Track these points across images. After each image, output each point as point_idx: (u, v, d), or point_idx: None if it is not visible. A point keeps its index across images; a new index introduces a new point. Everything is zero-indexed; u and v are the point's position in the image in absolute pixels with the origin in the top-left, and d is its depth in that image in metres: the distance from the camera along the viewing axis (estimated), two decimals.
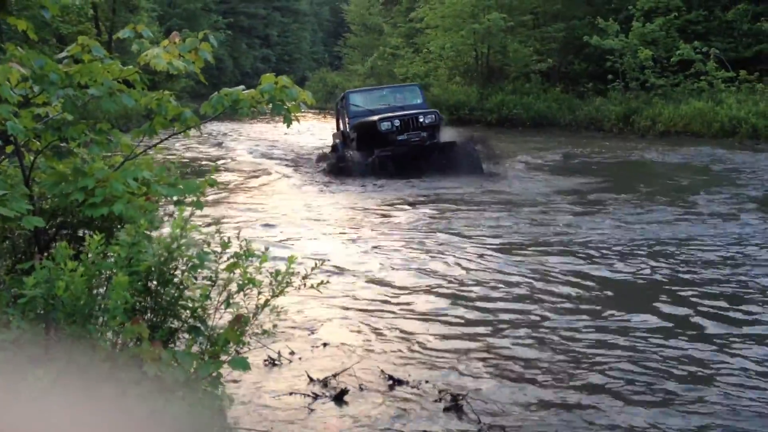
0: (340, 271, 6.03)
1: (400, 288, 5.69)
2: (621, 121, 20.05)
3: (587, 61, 23.98)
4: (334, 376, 3.83)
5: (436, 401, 3.60)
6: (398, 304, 5.24)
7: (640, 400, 3.62)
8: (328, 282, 3.12)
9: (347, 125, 13.37)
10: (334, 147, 14.23)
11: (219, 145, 18.68)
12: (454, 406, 3.54)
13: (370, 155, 12.03)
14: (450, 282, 5.84)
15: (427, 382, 3.84)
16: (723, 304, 5.05)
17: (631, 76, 20.96)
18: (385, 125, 11.91)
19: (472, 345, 4.42)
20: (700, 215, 8.30)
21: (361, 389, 3.72)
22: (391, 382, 3.82)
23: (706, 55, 19.70)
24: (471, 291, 5.59)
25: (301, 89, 3.97)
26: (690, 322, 4.75)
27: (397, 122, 11.97)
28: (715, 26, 21.93)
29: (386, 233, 7.75)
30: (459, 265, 6.33)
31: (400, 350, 4.29)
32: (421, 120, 12.06)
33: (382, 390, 3.75)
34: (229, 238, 2.94)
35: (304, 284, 3.04)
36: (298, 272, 3.01)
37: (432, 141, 12.17)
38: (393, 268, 6.34)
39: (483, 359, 4.18)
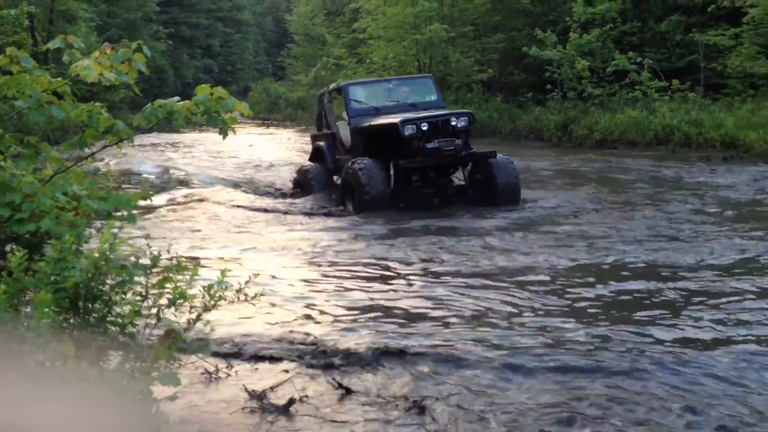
0: (276, 283, 5.99)
1: (337, 299, 5.68)
2: (560, 130, 20.42)
3: (527, 71, 24.38)
4: (272, 388, 3.80)
5: (391, 407, 3.59)
6: (335, 315, 5.23)
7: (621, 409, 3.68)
8: (262, 295, 3.11)
9: (347, 126, 10.75)
10: (316, 152, 11.66)
11: (166, 159, 18.36)
12: (415, 408, 3.53)
13: (386, 167, 9.68)
14: (393, 292, 5.86)
15: (380, 391, 3.82)
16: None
17: (569, 86, 21.38)
18: (409, 129, 9.33)
19: (424, 351, 4.44)
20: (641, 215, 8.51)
21: (307, 399, 3.70)
22: (341, 391, 3.80)
23: (640, 65, 20.23)
24: (411, 300, 5.62)
25: (237, 100, 3.94)
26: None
27: (424, 125, 9.36)
28: (649, 37, 22.53)
29: (327, 249, 7.70)
30: (401, 276, 6.36)
31: (338, 360, 4.28)
32: (454, 123, 9.54)
33: (330, 399, 3.74)
34: (159, 252, 2.91)
35: (238, 297, 3.02)
36: (232, 285, 2.99)
37: (467, 150, 9.76)
38: (327, 277, 6.34)
39: (433, 366, 4.20)
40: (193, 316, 2.88)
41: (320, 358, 4.32)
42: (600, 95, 20.73)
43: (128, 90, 29.24)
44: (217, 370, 4.05)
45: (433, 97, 11.11)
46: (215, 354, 4.22)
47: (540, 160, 15.61)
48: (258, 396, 3.72)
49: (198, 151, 20.02)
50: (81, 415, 2.49)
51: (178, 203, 11.01)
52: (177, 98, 3.87)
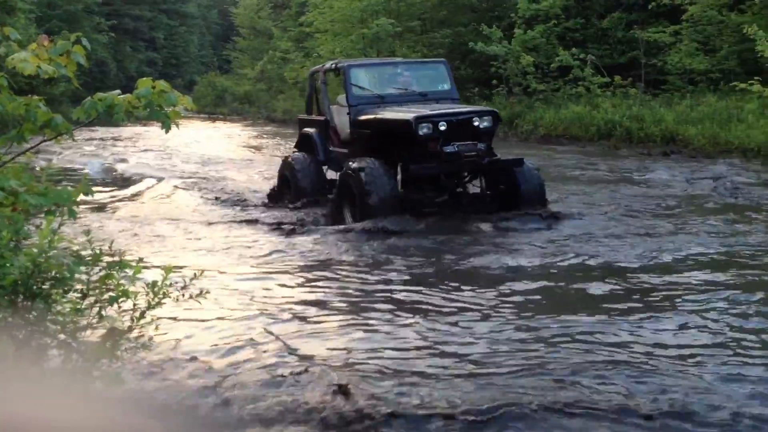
0: (223, 280, 5.93)
1: (282, 296, 5.64)
2: (505, 125, 20.63)
3: (473, 66, 24.58)
4: (215, 387, 3.76)
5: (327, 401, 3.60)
6: (280, 313, 5.19)
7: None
8: (208, 292, 3.08)
9: (345, 113, 9.12)
10: (304, 141, 9.88)
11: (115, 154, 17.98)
12: (341, 391, 3.54)
13: (392, 169, 8.24)
14: (339, 292, 5.86)
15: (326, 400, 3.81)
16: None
17: (514, 81, 21.64)
18: (424, 128, 7.86)
19: (358, 346, 4.45)
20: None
21: (254, 398, 3.68)
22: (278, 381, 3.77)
23: (583, 61, 20.58)
24: (358, 299, 5.63)
25: (180, 94, 3.88)
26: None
27: (442, 125, 7.89)
28: (592, 34, 22.93)
29: (272, 245, 7.60)
30: (347, 277, 6.36)
31: (281, 360, 4.25)
32: (476, 123, 8.08)
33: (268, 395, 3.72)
34: (101, 249, 2.86)
35: (183, 295, 2.99)
36: (177, 283, 2.95)
37: (492, 156, 8.30)
38: (271, 273, 6.28)
39: (372, 362, 4.22)
40: (137, 314, 2.84)
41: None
42: (544, 91, 21.03)
43: (69, 83, 28.55)
44: (162, 369, 4.00)
45: (446, 86, 9.41)
46: (158, 351, 4.15)
47: None
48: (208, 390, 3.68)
49: (145, 146, 19.72)
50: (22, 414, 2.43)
51: (122, 199, 10.80)
52: (118, 91, 3.79)
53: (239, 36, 44.04)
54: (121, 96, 3.72)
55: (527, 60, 20.94)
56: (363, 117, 8.68)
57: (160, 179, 12.91)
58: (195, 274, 3.01)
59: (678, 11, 20.20)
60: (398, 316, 5.10)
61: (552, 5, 22.36)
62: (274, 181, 10.30)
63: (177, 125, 3.80)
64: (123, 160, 16.08)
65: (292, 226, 8.08)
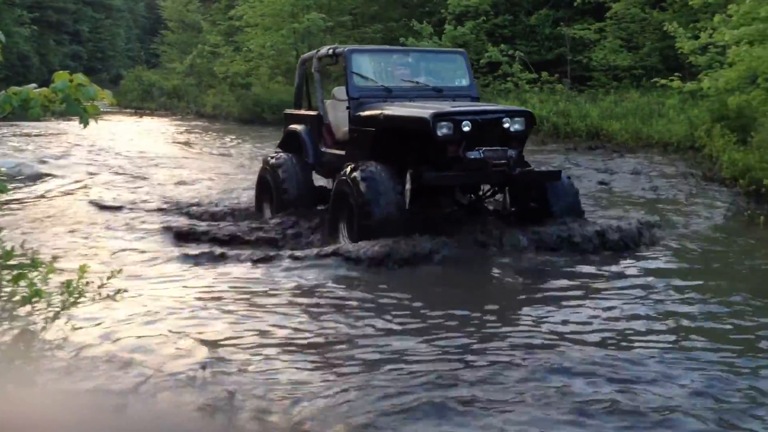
0: (141, 279, 5.80)
1: (202, 293, 5.55)
2: None
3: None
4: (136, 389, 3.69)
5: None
6: (199, 312, 5.11)
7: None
8: (125, 291, 3.02)
9: (343, 108, 7.75)
10: (291, 139, 8.50)
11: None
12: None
13: (399, 177, 6.81)
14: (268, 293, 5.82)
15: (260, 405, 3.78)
16: None
17: None
18: (444, 128, 6.48)
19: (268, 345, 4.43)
20: None
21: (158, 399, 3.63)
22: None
23: (512, 57, 20.91)
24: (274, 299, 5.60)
25: (100, 88, 3.78)
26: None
27: (467, 125, 6.51)
28: (520, 30, 23.30)
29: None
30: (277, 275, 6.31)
31: (197, 361, 4.19)
32: (507, 125, 6.70)
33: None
34: (12, 247, 2.77)
35: (99, 294, 2.93)
36: (93, 282, 2.89)
37: (524, 166, 6.94)
38: (194, 270, 6.17)
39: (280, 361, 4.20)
40: (51, 314, 2.77)
41: None
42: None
43: None
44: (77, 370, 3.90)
45: (465, 82, 8.04)
46: (73, 353, 4.06)
47: None
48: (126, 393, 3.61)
49: (69, 142, 19.12)
50: None
51: (40, 196, 10.43)
52: (34, 85, 3.68)
53: (167, 29, 43.16)
54: (37, 90, 3.62)
55: None
56: (366, 113, 7.24)
57: (80, 175, 12.44)
58: (112, 272, 2.96)
59: (602, 9, 20.72)
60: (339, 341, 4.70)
61: (481, 2, 22.62)
62: (226, 182, 9.95)
63: (96, 120, 3.71)
64: (43, 157, 15.55)
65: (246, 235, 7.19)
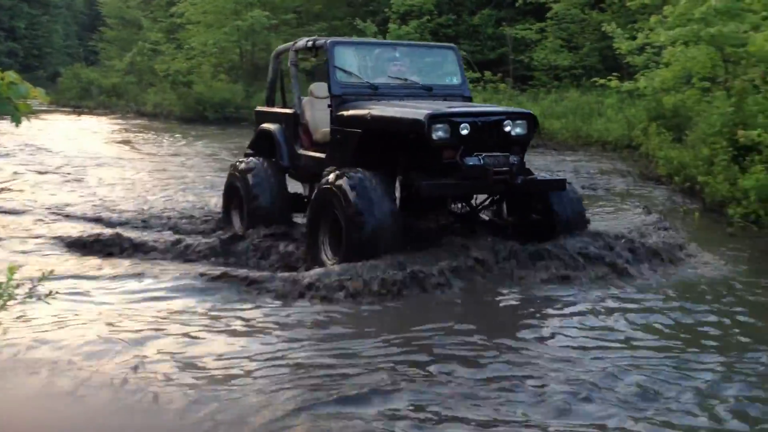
0: (74, 281, 5.66)
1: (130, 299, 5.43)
2: None
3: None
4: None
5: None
6: (129, 316, 5.03)
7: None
8: (57, 293, 2.95)
9: (323, 107, 7.07)
10: (262, 140, 7.82)
11: None
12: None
13: (390, 185, 6.18)
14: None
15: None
16: None
17: None
18: (440, 131, 5.90)
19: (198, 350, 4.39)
20: None
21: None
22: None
23: None
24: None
25: (32, 85, 3.68)
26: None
27: (465, 127, 5.93)
28: (464, 30, 23.52)
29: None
30: None
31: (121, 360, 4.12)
32: (508, 128, 6.11)
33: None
34: None
35: (30, 296, 2.85)
36: (24, 284, 2.81)
37: (527, 176, 6.26)
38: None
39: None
40: None
41: None
42: None
43: None
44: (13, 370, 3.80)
45: (456, 80, 7.40)
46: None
47: None
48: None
49: None
50: None
51: None
52: None
53: (106, 26, 42.31)
54: None
55: None
56: (350, 112, 6.54)
57: (6, 177, 11.99)
58: (43, 273, 2.88)
59: (543, 9, 21.05)
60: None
61: (425, 1, 22.76)
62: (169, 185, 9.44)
63: (29, 119, 3.62)
64: None
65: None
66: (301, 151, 7.26)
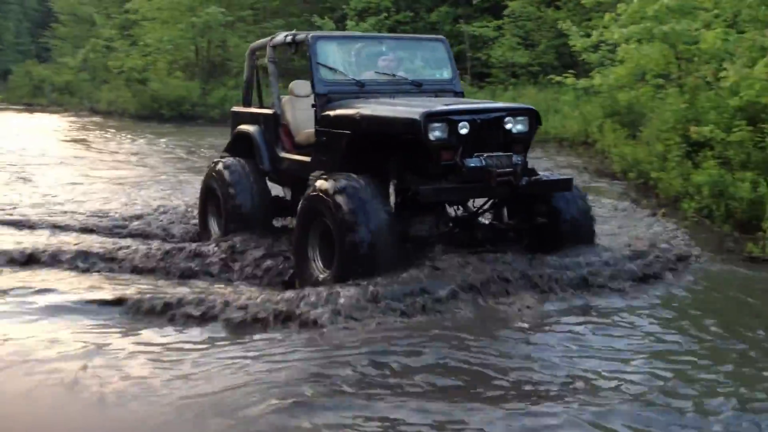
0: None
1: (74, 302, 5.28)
2: None
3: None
4: None
5: None
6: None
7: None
8: None
9: (304, 106, 6.74)
10: (240, 141, 7.38)
11: None
12: None
13: (384, 191, 5.71)
14: None
15: None
16: None
17: None
18: (437, 130, 5.48)
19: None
20: None
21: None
22: None
23: None
24: None
25: None
26: None
27: (464, 126, 5.51)
28: (421, 27, 23.52)
29: None
30: None
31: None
32: (509, 126, 5.72)
33: None
34: None
35: None
36: None
37: (533, 176, 5.79)
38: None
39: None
40: None
41: None
42: None
43: None
44: None
45: (447, 74, 6.96)
46: None
47: None
48: None
49: None
50: None
51: None
52: None
53: (59, 23, 41.46)
54: None
55: None
56: (337, 112, 6.08)
57: None
58: None
59: (500, 7, 21.17)
60: None
61: None
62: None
63: None
64: None
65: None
66: (283, 154, 6.85)
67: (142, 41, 28.42)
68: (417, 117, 5.38)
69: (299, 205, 5.81)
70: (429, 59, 7.11)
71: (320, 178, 5.65)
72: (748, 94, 8.13)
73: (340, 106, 6.11)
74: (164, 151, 15.68)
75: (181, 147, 16.23)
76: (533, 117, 5.78)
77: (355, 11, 22.85)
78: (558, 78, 14.45)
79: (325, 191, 5.43)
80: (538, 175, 5.81)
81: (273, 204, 7.16)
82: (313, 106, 6.26)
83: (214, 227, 7.19)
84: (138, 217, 8.32)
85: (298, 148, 6.80)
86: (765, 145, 7.93)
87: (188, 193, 9.62)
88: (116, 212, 8.66)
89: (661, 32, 10.20)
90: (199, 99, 24.60)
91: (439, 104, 5.82)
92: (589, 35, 13.60)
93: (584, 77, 14.00)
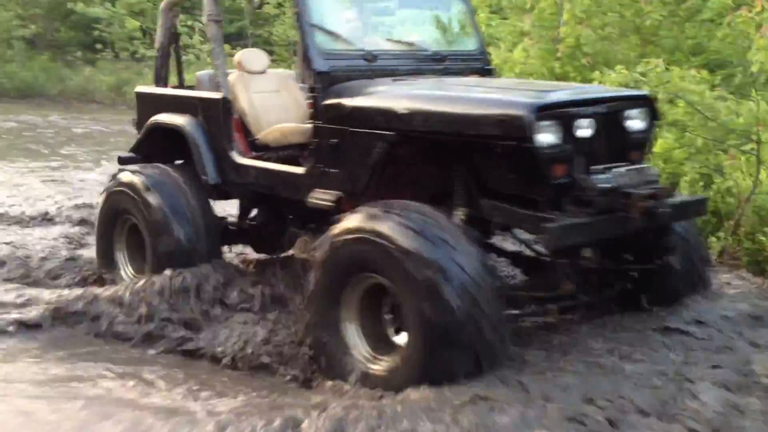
0: None
1: None
2: (113, 92, 20.05)
3: (75, 29, 23.29)
4: None
5: None
6: None
7: None
8: None
9: (313, 95, 4.21)
10: (154, 139, 5.21)
11: None
12: None
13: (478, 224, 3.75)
14: None
15: None
16: None
17: (120, 46, 20.99)
18: (550, 131, 3.45)
19: None
20: None
21: None
22: None
23: (191, 28, 20.49)
24: None
25: None
26: None
27: (587, 126, 3.59)
28: (199, 1, 22.88)
29: None
30: None
31: None
32: (629, 123, 3.82)
33: None
34: None
35: None
36: None
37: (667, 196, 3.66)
38: None
39: None
40: None
41: None
42: (153, 57, 20.54)
43: None
44: None
45: (472, 45, 4.94)
46: None
47: (98, 124, 14.81)
48: None
49: None
50: None
51: None
52: None
53: None
54: None
55: (133, 24, 20.41)
56: (358, 102, 4.03)
57: None
58: None
59: None
60: None
61: None
62: None
63: None
64: None
65: None
66: (243, 161, 4.67)
67: None
68: (523, 112, 3.43)
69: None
70: (447, 23, 4.91)
71: (326, 199, 4.05)
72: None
73: (355, 92, 4.10)
74: None
75: None
76: (651, 107, 3.96)
77: None
78: None
79: (377, 233, 3.32)
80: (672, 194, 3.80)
81: (221, 230, 5.06)
82: (310, 90, 4.21)
83: (123, 264, 5.08)
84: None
85: (259, 150, 4.81)
86: None
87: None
88: None
89: None
90: None
91: (530, 89, 4.03)
92: None
93: None
